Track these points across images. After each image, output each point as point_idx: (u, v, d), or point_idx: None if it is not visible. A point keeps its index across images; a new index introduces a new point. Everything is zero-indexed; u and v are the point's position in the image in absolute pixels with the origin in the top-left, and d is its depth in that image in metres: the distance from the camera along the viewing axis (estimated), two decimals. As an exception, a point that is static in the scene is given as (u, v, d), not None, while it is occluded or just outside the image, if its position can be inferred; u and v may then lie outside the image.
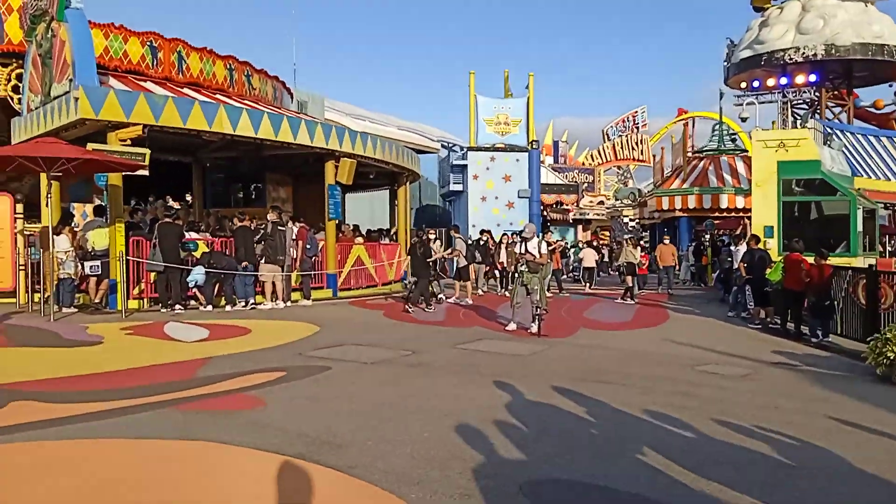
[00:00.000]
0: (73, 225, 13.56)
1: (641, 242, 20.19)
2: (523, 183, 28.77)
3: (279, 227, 13.76)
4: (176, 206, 16.82)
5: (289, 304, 14.03)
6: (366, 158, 17.02)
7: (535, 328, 10.50)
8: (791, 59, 25.05)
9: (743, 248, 13.91)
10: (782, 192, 14.89)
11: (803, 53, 24.83)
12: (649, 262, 20.06)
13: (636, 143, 50.70)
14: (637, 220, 41.62)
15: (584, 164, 49.86)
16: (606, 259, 30.25)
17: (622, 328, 11.89)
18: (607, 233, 45.39)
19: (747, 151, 30.53)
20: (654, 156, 45.02)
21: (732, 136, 33.50)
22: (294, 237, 14.27)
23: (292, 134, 14.80)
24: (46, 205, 11.46)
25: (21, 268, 12.92)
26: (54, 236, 11.67)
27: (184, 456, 4.63)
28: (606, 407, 6.03)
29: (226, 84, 18.37)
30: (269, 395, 6.33)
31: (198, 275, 12.81)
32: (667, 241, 20.28)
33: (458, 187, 30.13)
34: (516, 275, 11.24)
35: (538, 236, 11.27)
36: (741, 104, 19.12)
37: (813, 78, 20.71)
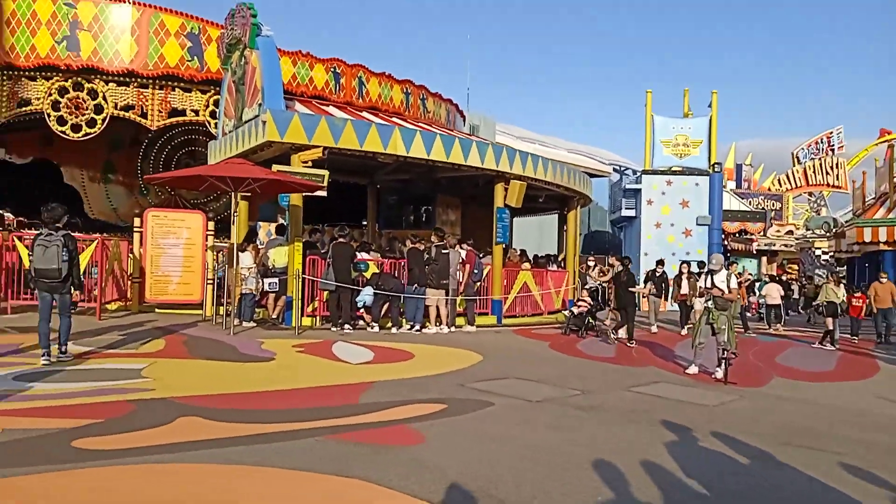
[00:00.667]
0: (256, 242, 14.29)
1: (838, 277, 17.74)
2: (703, 209, 27.00)
3: (442, 251, 13.65)
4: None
5: (453, 329, 13.85)
6: (536, 181, 16.60)
7: (720, 373, 9.41)
8: None
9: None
10: None
11: None
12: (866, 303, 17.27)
13: (831, 168, 46.21)
14: (832, 253, 37.65)
15: (770, 189, 46.16)
16: (795, 296, 27.48)
17: (823, 379, 10.42)
18: (795, 266, 41.51)
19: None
20: (852, 182, 40.67)
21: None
22: (462, 260, 14.11)
23: (463, 156, 14.71)
24: (233, 223, 12.10)
25: (209, 281, 13.76)
26: (239, 253, 12.28)
27: (338, 496, 4.37)
28: (816, 482, 5.06)
29: (402, 107, 18.82)
30: (430, 429, 5.99)
31: (366, 295, 12.98)
32: (884, 279, 17.73)
33: (631, 213, 28.88)
34: (700, 311, 10.22)
35: (725, 268, 10.18)
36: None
37: None
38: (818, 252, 41.18)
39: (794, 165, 47.71)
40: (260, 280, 13.01)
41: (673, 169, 27.75)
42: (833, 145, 47.77)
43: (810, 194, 47.63)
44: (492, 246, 16.20)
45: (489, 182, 16.36)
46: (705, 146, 27.84)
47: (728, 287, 9.59)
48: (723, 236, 29.45)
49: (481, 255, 15.60)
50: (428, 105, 20.20)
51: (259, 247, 14.13)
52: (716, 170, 27.51)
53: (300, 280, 12.69)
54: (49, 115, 16.26)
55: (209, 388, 7.35)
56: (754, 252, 38.89)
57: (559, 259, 20.82)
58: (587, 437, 6.02)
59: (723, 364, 9.38)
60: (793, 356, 12.82)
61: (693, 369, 9.94)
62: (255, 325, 12.85)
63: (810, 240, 41.18)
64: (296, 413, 6.40)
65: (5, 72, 16.32)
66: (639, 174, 29.61)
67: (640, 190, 27.85)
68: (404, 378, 8.49)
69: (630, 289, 13.36)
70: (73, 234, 8.50)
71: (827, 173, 46.20)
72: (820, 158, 46.92)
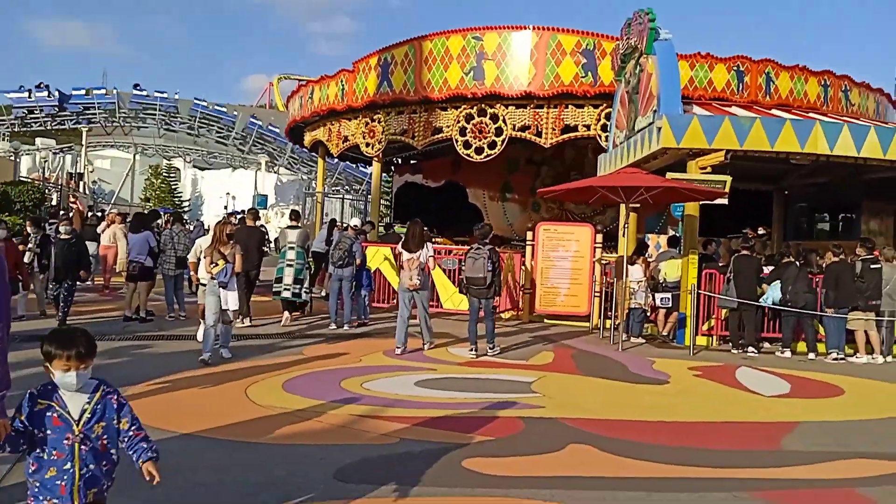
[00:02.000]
0: (646, 255, 13.51)
1: None
2: None
3: (872, 265, 11.16)
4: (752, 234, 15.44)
5: (889, 359, 11.20)
6: None
7: None
8: None
9: None
10: None
11: None
12: None
13: None
14: None
15: None
16: None
17: None
18: None
19: None
20: None
21: None
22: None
23: (905, 150, 11.87)
24: (623, 235, 11.50)
25: (596, 294, 13.41)
26: (628, 266, 11.64)
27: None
28: None
29: (818, 102, 16.30)
30: (889, 500, 4.46)
31: (773, 291, 11.30)
32: None
33: None
34: None
35: None
36: None
37: None
38: None
39: None
40: (650, 294, 12.19)
41: None
42: None
43: None
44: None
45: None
46: None
47: None
48: None
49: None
50: (851, 97, 17.11)
51: (649, 260, 13.32)
52: None
53: (695, 295, 11.51)
54: (456, 141, 17.70)
55: (600, 411, 6.74)
56: None
57: None
58: None
59: None
60: None
61: None
62: (643, 341, 12.04)
63: None
64: (701, 454, 5.39)
65: (422, 105, 18.29)
66: None
67: None
68: (836, 420, 6.81)
69: None
70: (497, 248, 9.10)
71: None
72: None
